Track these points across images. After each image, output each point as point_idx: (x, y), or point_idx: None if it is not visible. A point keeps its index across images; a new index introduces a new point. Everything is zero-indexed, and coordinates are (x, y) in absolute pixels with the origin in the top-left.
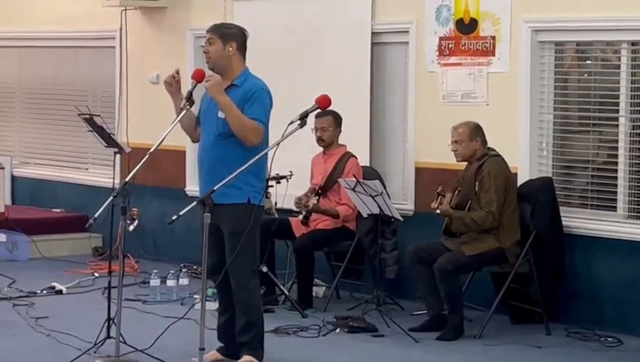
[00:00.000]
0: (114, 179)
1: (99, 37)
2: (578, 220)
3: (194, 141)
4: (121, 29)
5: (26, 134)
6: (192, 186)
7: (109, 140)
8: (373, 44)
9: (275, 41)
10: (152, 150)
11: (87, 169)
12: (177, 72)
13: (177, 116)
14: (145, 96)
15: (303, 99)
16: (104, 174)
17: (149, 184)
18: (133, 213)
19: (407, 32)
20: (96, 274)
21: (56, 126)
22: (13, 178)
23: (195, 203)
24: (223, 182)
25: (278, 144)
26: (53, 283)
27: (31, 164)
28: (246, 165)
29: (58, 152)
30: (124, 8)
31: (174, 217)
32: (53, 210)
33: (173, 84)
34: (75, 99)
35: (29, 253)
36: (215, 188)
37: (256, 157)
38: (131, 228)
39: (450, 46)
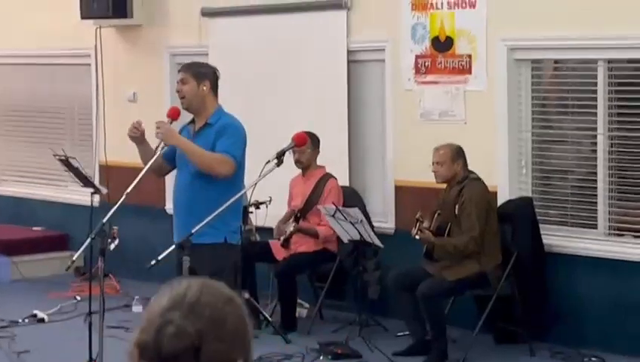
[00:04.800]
0: (92, 197)
1: (75, 55)
2: (559, 238)
3: (159, 176)
4: (96, 47)
5: (4, 152)
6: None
7: (86, 181)
8: (349, 62)
9: (251, 59)
10: (128, 190)
11: (66, 187)
12: (139, 123)
13: (151, 158)
14: (122, 114)
15: (279, 118)
16: (83, 192)
17: (129, 203)
18: (113, 232)
19: (383, 50)
20: (78, 298)
21: (35, 144)
22: None
23: (173, 246)
24: (202, 224)
25: (255, 184)
26: (35, 311)
27: (9, 181)
28: (225, 205)
29: (37, 170)
30: (98, 26)
31: (153, 262)
32: (33, 228)
33: (137, 134)
34: (53, 117)
35: (10, 274)
36: (194, 231)
37: (235, 197)
38: (112, 246)
39: (426, 64)
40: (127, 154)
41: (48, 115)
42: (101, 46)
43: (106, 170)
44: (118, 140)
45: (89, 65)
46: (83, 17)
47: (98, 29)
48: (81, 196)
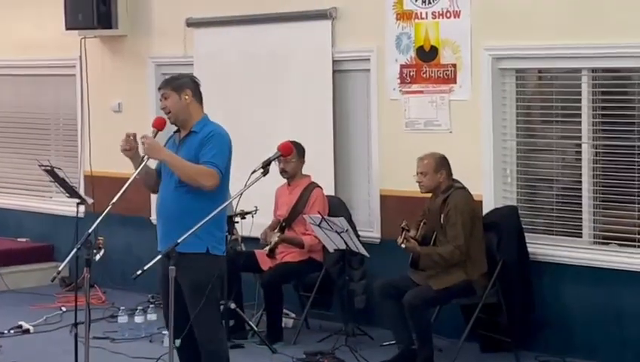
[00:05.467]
0: (78, 208)
1: (59, 65)
2: (544, 247)
3: (154, 192)
4: (81, 57)
5: None
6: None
7: (71, 191)
8: (334, 71)
9: (236, 68)
10: (114, 200)
11: (51, 198)
12: (130, 138)
13: (139, 168)
14: (107, 124)
15: (265, 128)
16: (69, 203)
17: (114, 213)
18: (99, 242)
19: (369, 59)
20: (64, 309)
21: (20, 154)
22: None
23: (159, 256)
24: (188, 233)
25: (241, 194)
26: (20, 322)
27: None
28: (212, 214)
29: (22, 181)
30: (83, 37)
31: (139, 272)
32: (19, 239)
33: (130, 146)
34: (38, 128)
35: None
36: (180, 241)
37: (220, 208)
38: (97, 257)
39: (411, 74)
40: (113, 165)
41: (33, 126)
42: (86, 56)
43: (91, 180)
44: (103, 150)
45: (74, 75)
46: (68, 28)
47: (83, 40)
48: (67, 207)
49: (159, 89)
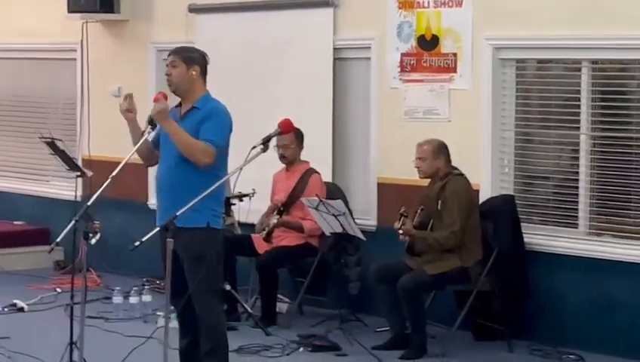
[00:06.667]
0: (76, 192)
1: (60, 49)
2: (540, 237)
3: (148, 165)
4: (82, 41)
5: None
6: (154, 200)
7: (71, 164)
8: (335, 59)
9: (237, 56)
10: (114, 173)
11: (47, 181)
12: (129, 96)
13: (140, 139)
14: (106, 108)
15: (265, 115)
16: (65, 187)
17: (111, 197)
18: (95, 226)
19: (369, 47)
20: (59, 290)
21: (18, 138)
22: None
23: (157, 229)
24: (186, 207)
25: (241, 169)
26: (15, 301)
27: None
28: (209, 190)
29: (19, 164)
30: (85, 21)
31: (137, 243)
32: (15, 222)
33: (132, 107)
34: (36, 112)
35: None
36: (178, 214)
37: (219, 182)
38: (93, 241)
39: (412, 62)
40: (111, 149)
41: (32, 109)
42: (87, 41)
43: (90, 163)
44: (102, 134)
45: (74, 59)
46: (70, 11)
47: (85, 24)
48: (63, 190)
49: (169, 55)
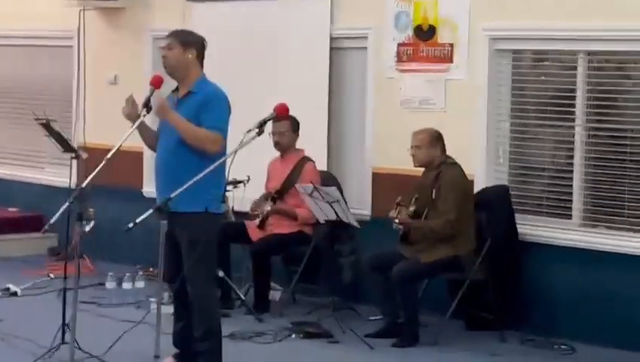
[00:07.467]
0: (70, 179)
1: (57, 36)
2: (534, 228)
3: (153, 150)
4: (79, 29)
5: None
6: (149, 188)
7: (66, 145)
8: (331, 49)
9: (234, 44)
10: (109, 155)
11: (43, 168)
12: (130, 100)
13: (135, 123)
14: (102, 96)
15: (261, 104)
16: (61, 174)
17: (105, 185)
18: (89, 213)
19: (366, 37)
20: (52, 276)
21: (13, 125)
22: None
23: (151, 210)
24: (180, 189)
25: (236, 152)
26: (8, 285)
27: None
28: (203, 173)
29: (14, 151)
30: (82, 8)
31: (131, 225)
32: (9, 209)
33: (133, 110)
34: (32, 99)
35: None
36: (172, 196)
37: (214, 165)
38: (87, 228)
39: (408, 52)
40: (107, 137)
41: (28, 97)
42: (84, 28)
43: (86, 151)
44: (98, 122)
45: (71, 47)
46: None
47: (82, 12)
48: (58, 178)
49: (166, 37)
